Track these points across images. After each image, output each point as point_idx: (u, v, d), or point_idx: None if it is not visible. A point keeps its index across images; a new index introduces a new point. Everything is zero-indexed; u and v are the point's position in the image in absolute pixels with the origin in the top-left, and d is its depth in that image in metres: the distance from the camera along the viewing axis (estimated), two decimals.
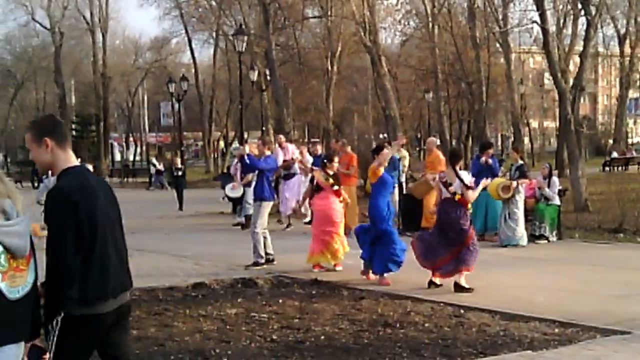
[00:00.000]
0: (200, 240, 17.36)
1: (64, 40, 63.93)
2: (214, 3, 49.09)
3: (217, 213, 23.92)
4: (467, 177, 10.61)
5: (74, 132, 65.44)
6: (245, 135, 36.33)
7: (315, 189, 12.49)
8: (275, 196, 19.85)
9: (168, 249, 15.44)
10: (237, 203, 20.34)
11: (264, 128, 44.21)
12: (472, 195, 10.49)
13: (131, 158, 75.53)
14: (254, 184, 13.62)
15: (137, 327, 8.49)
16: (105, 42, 63.66)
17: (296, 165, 19.30)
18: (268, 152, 13.58)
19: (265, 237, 12.95)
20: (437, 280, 10.38)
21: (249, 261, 12.85)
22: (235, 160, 20.63)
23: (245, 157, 13.22)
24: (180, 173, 27.80)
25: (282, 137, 21.04)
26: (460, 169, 10.63)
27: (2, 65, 70.83)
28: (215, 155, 63.93)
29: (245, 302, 9.87)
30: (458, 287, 10.14)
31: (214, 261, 12.95)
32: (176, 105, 48.98)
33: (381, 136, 47.70)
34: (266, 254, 12.94)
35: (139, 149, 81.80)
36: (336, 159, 13.01)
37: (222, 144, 67.72)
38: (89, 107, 66.64)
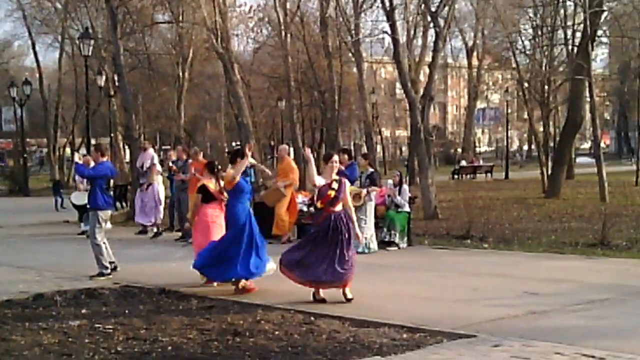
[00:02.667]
0: (44, 250, 16.75)
1: None
2: (59, 5, 47.60)
3: (62, 222, 23.16)
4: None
5: None
6: (93, 142, 35.36)
7: (204, 199, 11.86)
8: (125, 205, 19.51)
9: (9, 260, 14.75)
10: (83, 211, 19.71)
11: (112, 135, 43.20)
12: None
13: None
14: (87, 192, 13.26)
15: None
16: None
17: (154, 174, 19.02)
18: (103, 159, 13.09)
19: (105, 245, 12.59)
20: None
21: (95, 271, 12.42)
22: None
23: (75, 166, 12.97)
24: None
25: (145, 142, 20.71)
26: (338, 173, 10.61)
27: None
28: (61, 163, 61.88)
29: (89, 313, 9.51)
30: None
31: (58, 272, 12.46)
32: (18, 110, 47.13)
33: (234, 144, 47.59)
34: (110, 263, 12.58)
35: None
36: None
37: (68, 150, 65.57)
38: None
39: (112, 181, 20.86)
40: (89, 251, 12.63)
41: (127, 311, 9.55)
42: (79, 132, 59.39)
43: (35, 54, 57.77)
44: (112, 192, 22.94)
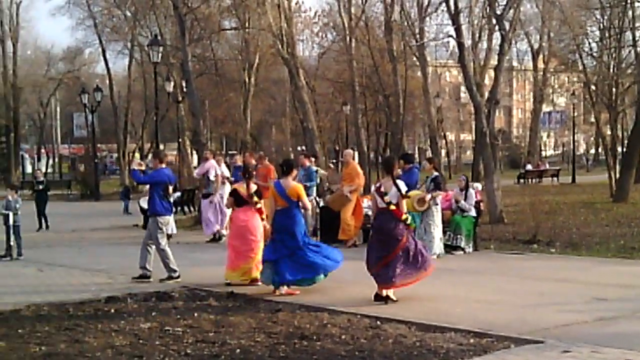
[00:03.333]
0: (114, 253, 17.06)
1: None
2: (128, 13, 48.49)
3: (132, 226, 23.57)
4: (404, 187, 10.44)
5: None
6: (162, 147, 35.91)
7: (237, 203, 12.15)
8: (192, 209, 19.74)
9: (81, 263, 15.10)
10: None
11: (179, 140, 43.83)
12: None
13: (43, 170, 73.77)
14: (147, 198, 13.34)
15: (47, 342, 8.28)
16: (15, 51, 62.41)
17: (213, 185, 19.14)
18: (162, 166, 13.18)
19: (148, 251, 12.75)
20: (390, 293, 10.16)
21: (164, 274, 12.63)
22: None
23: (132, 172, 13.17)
24: (41, 187, 24.73)
25: (207, 152, 20.78)
26: (397, 178, 10.60)
27: None
28: (129, 168, 62.98)
29: (159, 316, 9.67)
30: (378, 297, 10.10)
31: (128, 275, 12.67)
32: (90, 117, 48.12)
33: (299, 148, 47.80)
34: (145, 268, 12.73)
35: (51, 161, 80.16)
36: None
37: (137, 155, 66.78)
38: None
39: (177, 186, 21.12)
40: (157, 255, 12.80)
41: (195, 314, 9.69)
42: (148, 138, 60.45)
43: (106, 61, 59.04)
44: (179, 196, 23.32)
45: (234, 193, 12.19)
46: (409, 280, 10.26)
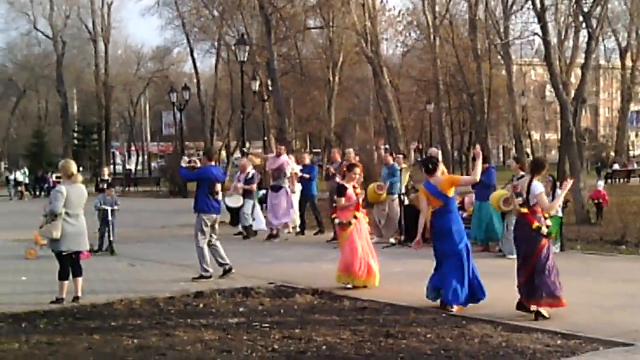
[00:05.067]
0: None
1: (66, 50, 64.43)
2: (216, 13, 49.24)
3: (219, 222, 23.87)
4: (539, 188, 9.32)
5: (75, 141, 65.64)
6: (247, 145, 36.38)
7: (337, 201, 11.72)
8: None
9: (170, 258, 15.43)
10: (237, 213, 20.32)
11: (265, 138, 44.34)
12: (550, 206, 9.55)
13: (133, 167, 75.57)
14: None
15: (139, 336, 8.53)
16: (107, 51, 64.08)
17: (286, 179, 19.29)
18: (211, 163, 13.31)
19: (215, 247, 12.82)
20: (543, 310, 9.11)
21: (249, 270, 12.81)
22: (239, 171, 20.66)
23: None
24: (105, 186, 22.55)
25: (281, 147, 20.95)
26: (537, 180, 9.71)
27: (3, 74, 71.31)
28: (217, 165, 63.92)
29: (246, 311, 9.86)
30: (522, 307, 9.28)
31: (215, 271, 12.92)
32: (178, 115, 49.06)
33: (382, 146, 47.81)
34: (221, 264, 12.82)
35: (140, 158, 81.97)
36: (357, 170, 12.10)
37: (223, 153, 67.80)
38: (90, 116, 66.98)
39: (262, 183, 21.28)
40: (242, 251, 13.01)
41: (282, 310, 9.85)
42: (234, 135, 61.32)
43: (194, 60, 60.12)
44: (264, 194, 23.46)
45: (343, 190, 11.73)
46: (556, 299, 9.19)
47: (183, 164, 13.33)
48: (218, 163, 58.02)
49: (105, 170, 23.82)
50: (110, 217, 16.50)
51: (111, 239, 16.47)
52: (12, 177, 48.80)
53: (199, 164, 13.37)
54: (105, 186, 21.72)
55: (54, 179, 47.19)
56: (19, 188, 47.83)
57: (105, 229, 16.67)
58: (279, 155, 19.66)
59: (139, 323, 9.26)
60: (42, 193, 48.05)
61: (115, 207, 16.83)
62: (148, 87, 70.62)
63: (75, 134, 67.54)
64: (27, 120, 76.08)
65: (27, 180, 49.67)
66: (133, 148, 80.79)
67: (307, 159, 20.49)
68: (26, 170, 52.27)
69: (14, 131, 77.81)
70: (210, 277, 12.56)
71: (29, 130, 72.75)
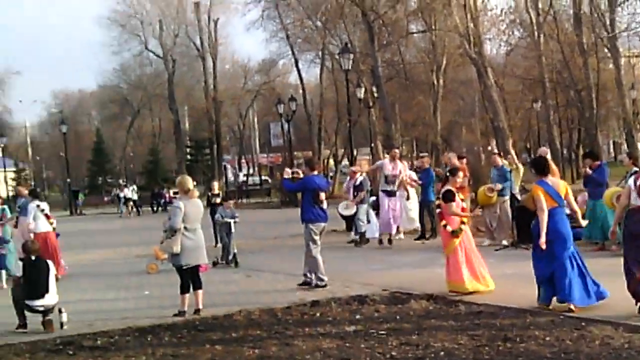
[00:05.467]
0: None
1: (176, 68, 66.26)
2: (319, 23, 49.71)
3: (331, 231, 24.07)
4: None
5: (188, 157, 67.30)
6: (355, 153, 36.61)
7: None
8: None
9: (285, 269, 15.65)
10: (351, 221, 20.49)
11: (372, 145, 44.47)
12: None
13: (244, 179, 76.92)
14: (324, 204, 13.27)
15: (259, 346, 8.72)
16: (215, 67, 65.36)
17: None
18: (313, 173, 13.31)
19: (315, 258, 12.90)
20: None
21: (364, 277, 12.89)
22: (348, 178, 20.83)
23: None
24: (217, 200, 22.21)
25: (395, 151, 20.92)
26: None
27: (118, 94, 73.89)
28: (326, 173, 64.54)
29: (362, 319, 9.94)
30: None
31: (330, 279, 13.08)
32: (285, 126, 49.73)
33: (489, 148, 47.28)
34: (306, 275, 12.98)
35: (251, 170, 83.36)
36: (460, 174, 12.05)
37: (331, 162, 68.25)
38: (202, 131, 68.53)
39: (372, 190, 21.33)
40: (356, 258, 13.09)
41: (398, 317, 9.89)
42: (341, 143, 61.69)
43: (299, 71, 60.75)
44: (374, 201, 23.52)
45: (451, 195, 11.63)
46: None
47: (285, 176, 13.55)
48: (321, 172, 58.68)
49: (216, 185, 24.26)
50: (232, 229, 16.84)
51: (235, 250, 16.80)
52: (122, 194, 50.55)
53: (301, 175, 13.55)
54: (217, 200, 22.20)
55: (171, 194, 48.62)
56: (129, 204, 49.46)
57: (228, 241, 17.06)
58: (393, 159, 19.59)
59: (259, 333, 9.45)
60: (159, 208, 49.43)
61: (236, 219, 17.16)
62: (256, 99, 71.78)
63: (188, 150, 69.28)
64: (142, 139, 78.67)
65: (135, 197, 51.34)
66: (243, 160, 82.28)
67: (426, 164, 20.22)
68: (135, 187, 54.04)
69: (130, 149, 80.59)
70: (325, 285, 12.70)
71: (144, 148, 75.14)
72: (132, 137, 78.29)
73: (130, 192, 50.75)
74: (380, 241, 19.14)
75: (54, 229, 16.39)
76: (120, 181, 65.58)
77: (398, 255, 17.09)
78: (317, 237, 12.90)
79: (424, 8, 39.28)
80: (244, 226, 24.57)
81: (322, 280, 12.79)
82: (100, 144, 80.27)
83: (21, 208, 16.73)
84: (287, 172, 13.65)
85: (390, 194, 19.23)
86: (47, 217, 16.41)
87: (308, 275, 12.97)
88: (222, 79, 67.91)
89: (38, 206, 16.28)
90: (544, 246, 9.60)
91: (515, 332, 8.53)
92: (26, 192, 17.82)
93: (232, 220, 16.95)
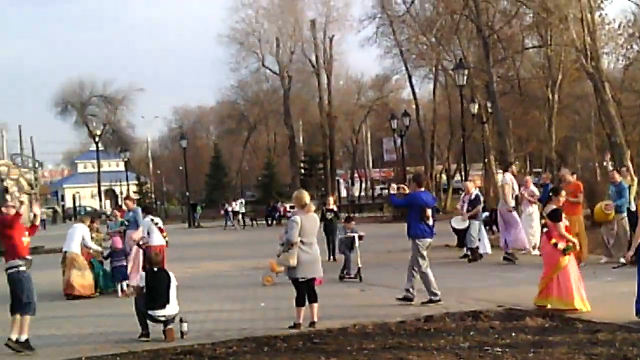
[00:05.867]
0: None
1: (292, 84, 67.28)
2: (433, 39, 49.61)
3: (443, 246, 23.99)
4: None
5: (302, 171, 68.17)
6: (467, 168, 36.38)
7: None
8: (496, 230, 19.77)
9: (398, 283, 15.63)
10: (463, 236, 20.42)
11: (485, 160, 44.04)
12: None
13: (356, 194, 77.29)
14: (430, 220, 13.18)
15: (373, 359, 8.84)
16: (330, 83, 66.14)
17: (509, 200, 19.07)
18: (420, 189, 13.25)
19: (412, 274, 12.93)
20: None
21: (478, 293, 12.85)
22: (464, 192, 20.79)
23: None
24: (332, 215, 22.52)
25: (513, 167, 20.68)
26: None
27: (236, 110, 75.63)
28: (438, 189, 64.22)
29: (477, 335, 9.94)
30: None
31: (443, 294, 13.08)
32: (398, 141, 49.76)
33: (604, 163, 46.12)
34: (409, 290, 12.95)
35: (363, 185, 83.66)
36: (563, 193, 12.08)
37: (444, 177, 67.89)
38: (316, 146, 69.29)
39: (485, 205, 21.21)
40: (469, 274, 13.03)
41: (513, 333, 9.83)
42: (454, 159, 61.28)
43: (412, 86, 60.76)
44: (487, 216, 23.33)
45: (559, 214, 11.54)
46: None
47: (392, 191, 13.64)
48: (429, 188, 58.28)
49: (331, 200, 24.51)
50: (355, 244, 16.93)
51: (359, 265, 16.86)
52: (229, 208, 51.69)
53: (407, 190, 13.64)
54: (330, 217, 22.43)
55: (286, 207, 49.33)
56: (237, 218, 50.46)
57: (349, 256, 17.20)
58: (504, 172, 19.45)
59: (373, 347, 9.55)
60: (274, 222, 50.20)
61: (361, 235, 17.26)
62: (369, 115, 72.16)
63: (302, 164, 70.13)
64: (258, 153, 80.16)
65: (243, 210, 52.40)
66: (356, 175, 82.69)
67: (547, 180, 19.98)
68: (243, 201, 55.10)
69: (246, 163, 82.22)
70: (439, 300, 12.70)
71: (260, 162, 76.51)
72: (248, 151, 79.88)
73: (238, 206, 51.82)
74: (508, 257, 18.88)
75: (166, 242, 16.92)
76: (228, 195, 66.98)
77: (515, 271, 16.94)
78: (424, 253, 12.94)
79: (540, 23, 38.66)
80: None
81: (435, 295, 12.79)
82: (218, 158, 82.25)
83: (129, 222, 17.35)
84: (393, 188, 13.76)
85: (509, 209, 19.15)
86: (161, 230, 16.95)
87: (410, 290, 13.01)
88: (337, 95, 68.58)
89: (152, 220, 16.90)
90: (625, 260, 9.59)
91: (635, 352, 8.40)
92: (134, 205, 18.27)
93: (356, 235, 17.05)
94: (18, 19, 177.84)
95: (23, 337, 10.82)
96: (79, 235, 16.70)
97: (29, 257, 11.09)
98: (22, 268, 10.89)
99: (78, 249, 16.59)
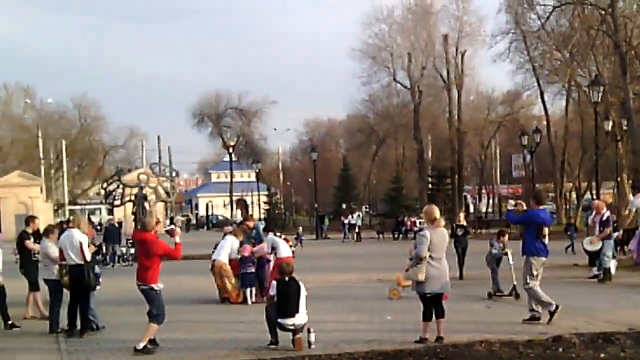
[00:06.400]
0: (555, 293, 17.26)
1: (422, 98, 67.28)
2: (567, 55, 48.68)
3: (571, 265, 23.53)
4: None
5: (430, 185, 67.96)
6: (599, 186, 35.49)
7: None
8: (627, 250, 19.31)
9: (524, 301, 15.54)
10: (595, 256, 20.01)
11: (618, 179, 42.82)
12: None
13: (483, 209, 76.44)
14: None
15: None
16: (460, 98, 65.82)
17: None
18: (539, 207, 13.16)
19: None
20: None
21: (609, 314, 12.62)
22: (594, 213, 20.38)
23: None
24: (462, 231, 22.14)
25: None
26: None
27: (365, 124, 76.14)
28: (567, 207, 62.74)
29: (607, 358, 9.77)
30: None
31: (571, 314, 12.90)
32: (528, 157, 48.94)
33: None
34: (532, 309, 12.82)
35: (491, 201, 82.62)
36: None
37: (573, 195, 66.30)
38: (444, 160, 69.01)
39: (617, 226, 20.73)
40: (599, 294, 12.73)
41: None
42: (584, 177, 59.78)
43: (544, 102, 59.67)
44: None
45: None
46: None
47: (509, 207, 13.62)
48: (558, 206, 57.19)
49: (461, 216, 24.41)
50: (510, 261, 16.74)
51: (514, 282, 16.64)
52: (346, 220, 52.00)
53: (524, 207, 13.52)
54: (460, 233, 22.32)
55: (413, 221, 49.31)
56: (353, 230, 50.76)
57: (496, 273, 17.07)
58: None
59: None
60: (400, 236, 50.23)
61: (509, 252, 17.02)
62: (498, 130, 71.26)
63: (430, 179, 69.87)
64: (386, 167, 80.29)
65: (359, 223, 52.69)
66: (484, 191, 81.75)
67: None
68: (360, 214, 55.37)
69: (374, 177, 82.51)
70: (539, 319, 12.68)
71: (388, 175, 76.64)
72: (376, 164, 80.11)
73: (355, 219, 52.14)
74: None
75: (293, 253, 17.46)
76: (356, 208, 67.36)
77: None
78: (536, 272, 12.85)
79: None
80: (484, 257, 24.58)
81: (536, 312, 12.80)
82: (347, 171, 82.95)
83: (255, 238, 18.13)
84: (511, 204, 13.73)
85: None
86: (286, 240, 17.81)
87: (535, 309, 12.92)
88: (466, 110, 68.11)
89: (276, 234, 17.70)
90: None
91: None
92: (252, 223, 19.19)
93: (509, 252, 16.78)
94: (156, 35, 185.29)
95: (140, 345, 11.36)
96: (228, 246, 17.52)
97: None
98: (156, 288, 11.57)
99: (226, 258, 17.33)
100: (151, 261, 11.57)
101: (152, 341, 11.50)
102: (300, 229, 47.23)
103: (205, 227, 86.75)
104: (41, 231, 15.27)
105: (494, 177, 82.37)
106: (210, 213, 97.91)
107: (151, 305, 11.53)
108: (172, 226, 15.35)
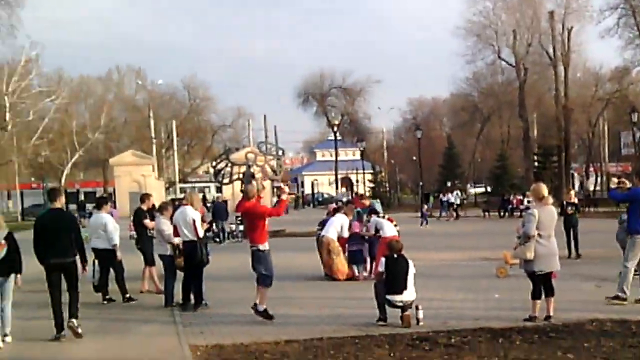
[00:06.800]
0: None
1: (527, 76, 66.23)
2: None
3: None
4: None
5: (536, 163, 66.91)
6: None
7: None
8: None
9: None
10: None
11: None
12: None
13: (591, 188, 74.73)
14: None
15: (612, 358, 8.87)
16: (567, 75, 64.45)
17: None
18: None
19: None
20: None
21: None
22: None
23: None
24: (573, 209, 21.74)
25: None
26: None
27: (470, 102, 75.44)
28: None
29: None
30: None
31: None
32: (638, 134, 47.64)
33: None
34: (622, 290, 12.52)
35: (599, 179, 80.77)
36: None
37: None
38: (550, 138, 67.78)
39: None
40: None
41: None
42: None
43: None
44: None
45: None
46: None
47: (612, 186, 13.34)
48: None
49: (572, 193, 24.05)
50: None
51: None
52: (444, 198, 51.69)
53: (628, 185, 13.31)
54: (572, 210, 21.93)
55: (519, 199, 48.74)
56: (451, 209, 50.38)
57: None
58: None
59: (612, 345, 9.46)
60: (506, 214, 49.71)
61: None
62: (607, 107, 69.47)
63: (536, 157, 68.72)
64: (491, 145, 79.42)
65: (458, 202, 52.48)
66: (591, 169, 79.91)
67: None
68: (459, 192, 54.86)
69: (479, 155, 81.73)
70: (625, 300, 12.49)
71: (492, 153, 75.84)
72: (480, 143, 79.25)
73: (453, 197, 51.80)
74: None
75: (397, 232, 17.52)
76: (468, 185, 66.75)
77: None
78: (638, 251, 12.64)
79: None
80: (593, 234, 24.21)
81: (624, 293, 12.56)
82: (451, 149, 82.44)
83: (360, 214, 18.69)
84: (614, 182, 13.50)
85: None
86: (390, 220, 18.03)
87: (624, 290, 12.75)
88: (573, 87, 66.68)
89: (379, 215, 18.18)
90: None
91: None
92: (368, 202, 20.04)
93: None
94: (267, 18, 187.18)
95: (261, 307, 11.99)
96: (338, 223, 17.73)
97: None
98: (262, 248, 12.12)
99: (335, 235, 17.53)
100: (255, 224, 12.19)
101: (268, 315, 11.92)
102: (425, 207, 47.04)
103: (311, 205, 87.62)
104: (155, 208, 15.88)
105: (602, 155, 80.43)
106: (315, 191, 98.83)
107: (259, 266, 11.99)
108: (281, 184, 15.60)
